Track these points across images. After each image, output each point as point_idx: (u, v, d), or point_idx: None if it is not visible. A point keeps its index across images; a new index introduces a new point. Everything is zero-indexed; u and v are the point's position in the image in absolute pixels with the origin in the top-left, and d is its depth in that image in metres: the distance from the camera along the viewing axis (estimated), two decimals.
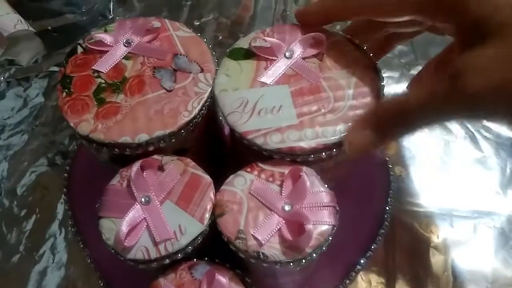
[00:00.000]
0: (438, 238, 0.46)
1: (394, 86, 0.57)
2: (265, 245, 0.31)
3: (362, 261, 0.45)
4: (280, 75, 0.37)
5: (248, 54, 0.38)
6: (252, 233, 0.32)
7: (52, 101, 0.56)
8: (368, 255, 0.45)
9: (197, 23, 0.61)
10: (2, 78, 0.58)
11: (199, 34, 0.40)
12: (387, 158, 0.50)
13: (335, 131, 0.34)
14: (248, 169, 0.35)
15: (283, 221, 0.32)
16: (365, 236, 0.46)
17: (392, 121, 0.30)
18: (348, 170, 0.46)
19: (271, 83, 0.37)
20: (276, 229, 0.32)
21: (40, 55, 0.60)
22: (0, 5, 0.60)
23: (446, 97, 0.26)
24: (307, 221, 0.31)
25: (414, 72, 0.57)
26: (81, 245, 0.46)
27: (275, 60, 0.38)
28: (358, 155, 0.32)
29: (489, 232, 0.47)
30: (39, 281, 0.45)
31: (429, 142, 0.52)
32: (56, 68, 0.58)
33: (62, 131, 0.54)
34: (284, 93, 0.36)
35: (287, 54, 0.37)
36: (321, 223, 0.32)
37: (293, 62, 0.37)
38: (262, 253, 0.31)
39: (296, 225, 0.32)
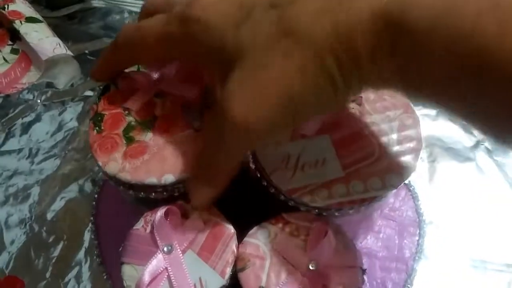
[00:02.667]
0: None
1: (431, 123, 0.55)
2: None
3: None
4: (320, 124, 0.36)
5: None
6: None
7: (86, 126, 0.57)
8: None
9: None
10: (39, 101, 0.59)
11: None
12: (419, 203, 0.48)
13: (383, 182, 0.33)
14: (273, 221, 0.34)
15: (307, 280, 0.31)
16: None
17: None
18: (374, 220, 0.45)
19: (312, 134, 0.36)
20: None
21: (76, 79, 0.61)
22: (41, 28, 0.62)
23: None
24: (331, 283, 0.30)
25: None
26: (105, 277, 0.46)
27: None
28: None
29: None
30: None
31: (465, 187, 0.50)
32: (90, 93, 0.59)
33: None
34: (326, 144, 0.35)
35: None
36: (346, 285, 0.31)
37: None
38: None
39: (320, 285, 0.31)
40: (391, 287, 0.44)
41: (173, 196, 0.36)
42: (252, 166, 0.38)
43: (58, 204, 0.51)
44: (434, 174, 0.51)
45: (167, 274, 0.32)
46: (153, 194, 0.35)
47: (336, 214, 0.34)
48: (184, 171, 0.34)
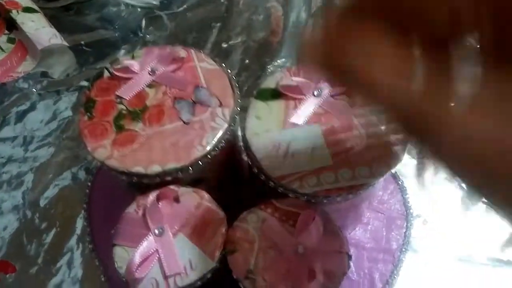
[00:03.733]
0: (456, 284, 0.45)
1: None
2: None
3: None
4: (310, 114, 0.37)
5: (276, 94, 0.38)
6: (262, 274, 0.32)
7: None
8: None
9: (225, 45, 0.62)
10: (35, 90, 0.59)
11: (223, 65, 0.41)
12: (407, 197, 0.49)
13: (371, 171, 0.34)
14: (262, 207, 0.35)
15: (294, 265, 0.32)
16: (379, 279, 0.45)
17: None
18: (362, 211, 0.45)
19: (302, 124, 0.37)
20: (286, 272, 0.32)
21: (71, 69, 0.61)
22: (38, 18, 0.62)
23: None
24: (317, 267, 0.31)
25: None
26: (97, 263, 0.46)
27: (304, 99, 0.37)
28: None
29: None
30: None
31: (452, 183, 0.51)
32: (85, 83, 0.60)
33: None
34: (316, 133, 0.36)
35: (315, 92, 0.37)
36: (332, 270, 0.32)
37: (322, 100, 0.37)
38: None
39: (307, 269, 0.32)
40: (378, 277, 0.45)
41: (166, 181, 0.36)
42: (244, 157, 0.38)
43: (51, 191, 0.52)
44: (423, 169, 0.52)
45: (157, 256, 0.33)
46: (144, 179, 0.36)
47: (325, 201, 0.34)
48: (171, 162, 0.35)
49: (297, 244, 0.32)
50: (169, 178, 0.36)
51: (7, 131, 0.56)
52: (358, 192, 0.34)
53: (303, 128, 0.37)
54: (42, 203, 0.51)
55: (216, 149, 0.36)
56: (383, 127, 0.36)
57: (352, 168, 0.35)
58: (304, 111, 0.37)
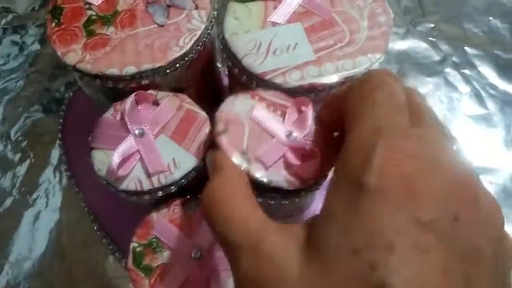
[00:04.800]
0: None
1: (400, 43, 0.55)
2: (269, 170, 0.29)
3: None
4: (291, 13, 0.36)
5: None
6: (256, 155, 0.30)
7: (48, 48, 0.54)
8: None
9: None
10: None
11: None
12: None
13: (354, 63, 0.34)
14: (249, 95, 0.33)
15: (288, 149, 0.31)
16: None
17: None
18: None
19: (283, 22, 0.36)
20: (280, 155, 0.30)
21: (37, 3, 0.58)
22: None
23: None
24: (312, 151, 0.30)
25: (420, 28, 0.56)
26: (76, 189, 0.45)
27: None
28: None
29: (492, 189, 0.46)
30: (32, 224, 0.44)
31: (433, 98, 0.51)
32: None
33: (58, 79, 0.52)
34: (298, 31, 0.35)
35: None
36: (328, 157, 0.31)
37: None
38: (267, 178, 0.29)
39: (300, 155, 0.30)
40: None
41: (141, 86, 0.35)
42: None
43: (23, 124, 0.49)
44: None
45: (139, 156, 0.32)
46: (120, 83, 0.34)
47: (309, 96, 0.33)
48: (146, 63, 0.33)
49: (289, 131, 0.31)
50: (146, 82, 0.34)
51: None
52: (341, 85, 0.34)
53: (284, 27, 0.35)
54: (13, 136, 0.49)
55: (194, 51, 0.35)
56: (365, 23, 0.36)
57: (335, 62, 0.34)
58: (284, 10, 0.36)
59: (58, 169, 0.47)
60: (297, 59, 0.34)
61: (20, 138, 0.49)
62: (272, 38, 0.35)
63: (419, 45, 0.55)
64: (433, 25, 0.56)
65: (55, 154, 0.48)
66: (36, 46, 0.55)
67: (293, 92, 0.33)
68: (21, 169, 0.47)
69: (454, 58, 0.54)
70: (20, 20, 0.57)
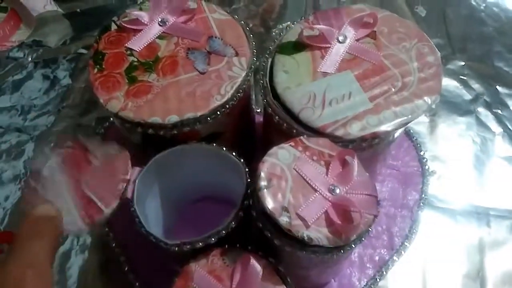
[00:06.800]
0: (474, 237, 0.45)
1: None
2: (311, 227, 0.29)
3: (393, 259, 0.43)
4: (339, 61, 0.36)
5: (299, 46, 0.37)
6: (298, 212, 0.30)
7: (80, 83, 0.55)
8: (399, 253, 0.43)
9: (228, 10, 0.60)
10: (30, 59, 0.57)
11: (236, 17, 0.39)
12: (422, 154, 0.48)
13: (412, 108, 0.34)
14: (292, 144, 0.33)
15: (329, 204, 0.30)
16: (397, 234, 0.44)
17: None
18: (377, 168, 0.44)
19: (333, 72, 0.36)
20: (322, 211, 0.30)
21: (68, 37, 0.59)
22: None
23: None
24: (354, 208, 0.30)
25: (451, 66, 0.55)
26: (106, 229, 0.45)
27: (329, 47, 0.36)
28: None
29: None
30: (63, 264, 0.44)
31: (466, 139, 0.50)
32: (84, 51, 0.58)
33: (89, 114, 0.53)
34: (349, 79, 0.35)
35: (340, 38, 0.36)
36: (367, 212, 0.30)
37: (348, 46, 0.36)
38: (307, 236, 0.29)
39: (341, 210, 0.30)
40: (397, 232, 0.44)
41: (182, 134, 0.35)
42: (276, 118, 0.36)
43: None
44: (435, 127, 0.51)
45: None
46: (162, 131, 0.34)
47: (364, 145, 0.33)
48: (189, 111, 0.34)
49: (332, 184, 0.31)
50: (186, 129, 0.34)
51: (4, 101, 0.54)
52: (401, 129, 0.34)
53: (335, 76, 0.35)
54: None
55: (235, 98, 0.35)
56: (415, 64, 0.35)
57: (393, 108, 0.34)
58: (332, 59, 0.36)
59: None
60: (354, 109, 0.34)
61: None
62: (325, 89, 0.35)
63: (450, 83, 0.54)
64: (463, 63, 0.56)
65: None
66: (67, 81, 0.55)
67: (351, 142, 0.33)
68: None
69: (485, 97, 0.53)
70: (51, 54, 0.58)
